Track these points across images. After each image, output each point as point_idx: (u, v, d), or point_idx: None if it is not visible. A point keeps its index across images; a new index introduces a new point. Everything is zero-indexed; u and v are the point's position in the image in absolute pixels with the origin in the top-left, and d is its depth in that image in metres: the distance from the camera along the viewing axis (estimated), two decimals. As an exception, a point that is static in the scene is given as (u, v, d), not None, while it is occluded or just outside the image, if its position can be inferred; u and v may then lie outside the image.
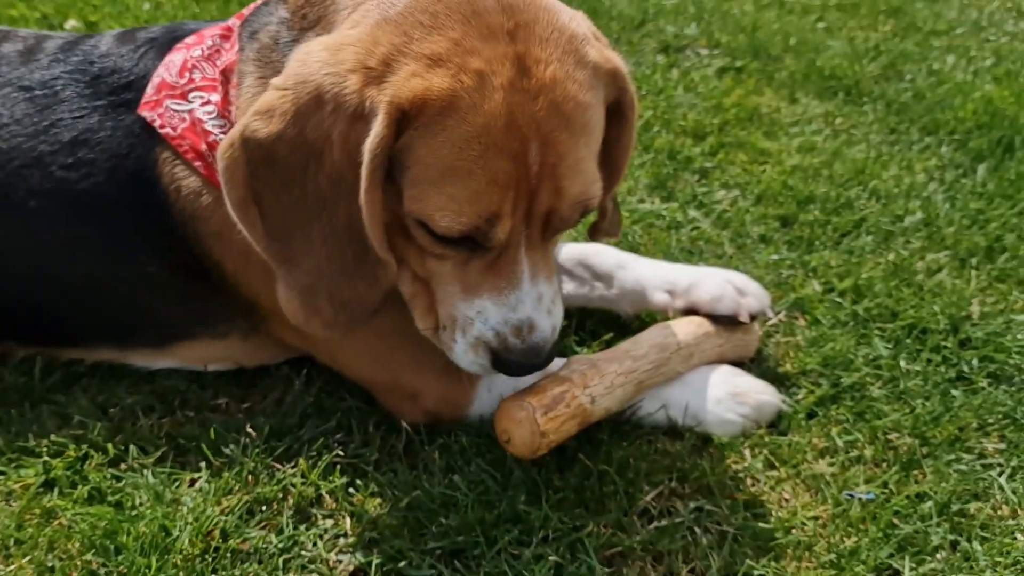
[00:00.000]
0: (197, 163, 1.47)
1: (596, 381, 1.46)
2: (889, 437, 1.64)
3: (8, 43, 1.70)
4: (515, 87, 1.21)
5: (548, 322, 1.37)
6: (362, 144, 1.19)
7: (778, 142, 2.67)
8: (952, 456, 1.59)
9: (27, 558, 1.34)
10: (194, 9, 3.41)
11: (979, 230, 2.22)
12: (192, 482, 1.51)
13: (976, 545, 1.43)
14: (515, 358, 1.34)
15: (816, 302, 1.96)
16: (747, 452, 1.59)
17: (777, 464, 1.57)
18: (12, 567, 1.33)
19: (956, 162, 2.57)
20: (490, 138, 1.20)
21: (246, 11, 1.59)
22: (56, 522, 1.41)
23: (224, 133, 1.46)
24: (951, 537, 1.44)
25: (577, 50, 1.30)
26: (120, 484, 1.48)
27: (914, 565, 1.39)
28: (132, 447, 1.54)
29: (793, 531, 1.45)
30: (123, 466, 1.53)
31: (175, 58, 1.56)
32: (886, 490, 1.52)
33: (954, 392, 1.73)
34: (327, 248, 1.27)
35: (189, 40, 1.59)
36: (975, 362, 1.80)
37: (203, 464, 1.52)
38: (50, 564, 1.33)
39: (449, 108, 1.20)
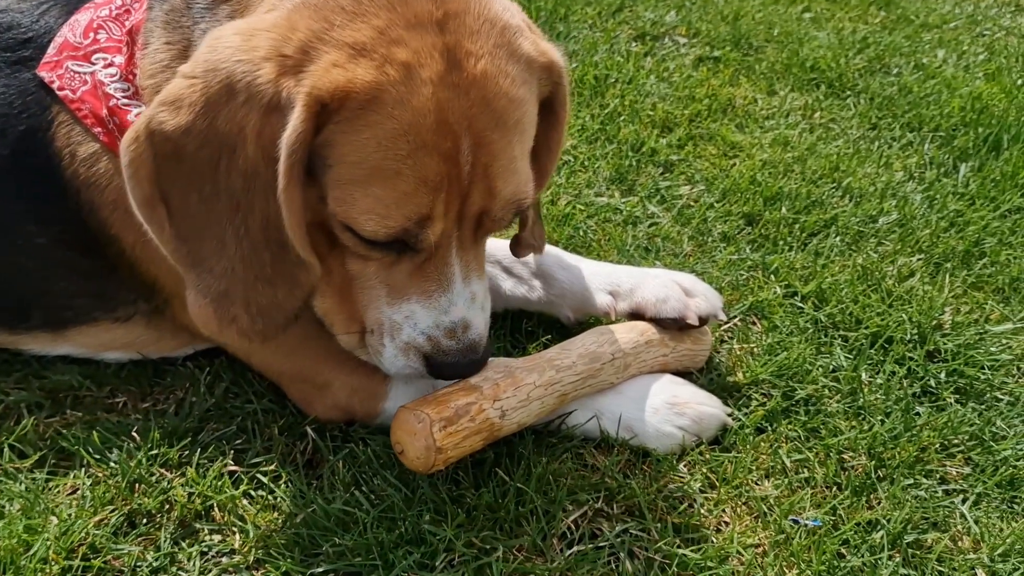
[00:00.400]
0: (97, 128, 1.37)
1: (510, 393, 1.32)
2: (843, 457, 1.49)
3: None
4: (444, 81, 1.14)
5: (482, 318, 1.30)
6: (278, 138, 1.10)
7: (751, 135, 2.52)
8: (910, 480, 1.45)
9: None
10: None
11: (957, 233, 2.07)
12: (73, 490, 1.38)
13: (930, 581, 1.29)
14: (452, 359, 1.28)
15: (775, 306, 1.82)
16: (684, 470, 1.44)
17: (717, 484, 1.43)
18: None
19: (938, 160, 2.42)
20: (419, 136, 1.13)
21: None
22: (-91, 532, 1.28)
23: (128, 97, 1.37)
24: (903, 572, 1.31)
25: (510, 43, 1.22)
26: (-12, 491, 1.34)
27: (858, 603, 1.25)
28: (7, 450, 1.41)
29: (729, 560, 1.31)
30: (-5, 470, 1.39)
31: (81, 17, 1.45)
32: (835, 516, 1.38)
33: (917, 409, 1.59)
34: (242, 250, 1.17)
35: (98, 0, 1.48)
36: (943, 376, 1.66)
37: (84, 471, 1.39)
38: None
39: (373, 102, 1.11)
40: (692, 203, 2.18)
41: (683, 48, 3.09)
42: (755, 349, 1.71)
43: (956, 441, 1.53)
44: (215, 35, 1.18)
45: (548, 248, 1.68)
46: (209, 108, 1.13)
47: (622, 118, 2.53)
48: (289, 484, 1.37)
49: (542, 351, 1.45)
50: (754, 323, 1.80)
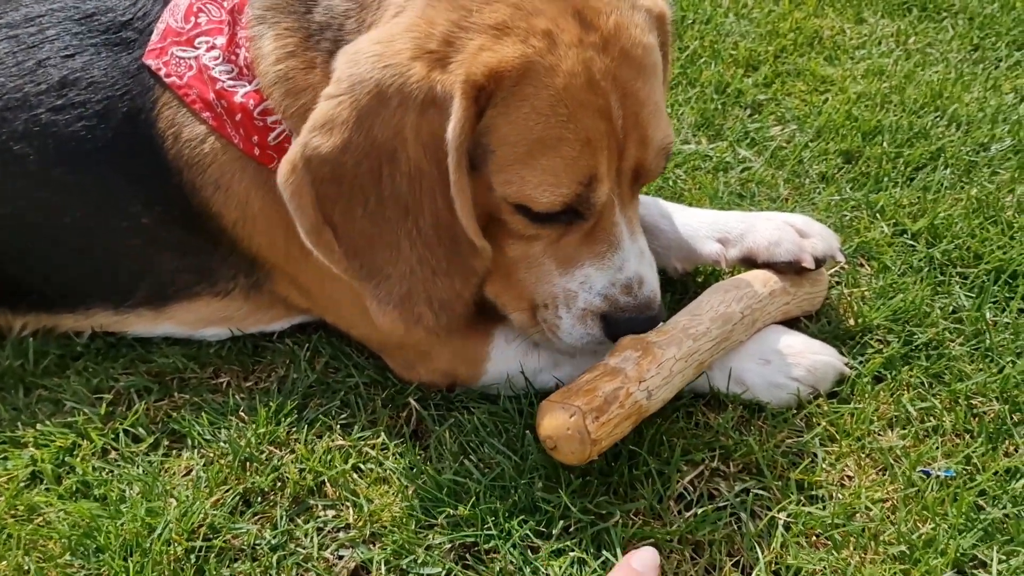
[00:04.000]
0: (205, 113, 1.38)
1: (653, 371, 1.25)
2: (973, 403, 1.41)
3: None
4: (584, 42, 1.16)
5: (653, 273, 1.32)
6: (439, 134, 1.13)
7: (842, 68, 2.38)
8: (1050, 423, 1.35)
9: (3, 561, 1.24)
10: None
11: (1080, 155, 1.92)
12: (188, 471, 1.40)
13: (1080, 531, 1.20)
14: (630, 315, 1.29)
15: (884, 246, 1.72)
16: (801, 423, 1.38)
17: (838, 437, 1.36)
18: (-12, 570, 1.24)
19: (1051, 79, 2.25)
20: (574, 99, 1.15)
21: None
22: (39, 518, 1.31)
23: (233, 79, 1.37)
24: (1049, 521, 1.22)
25: None
26: (108, 476, 1.37)
27: (1003, 557, 1.18)
28: (123, 435, 1.43)
29: (856, 517, 1.25)
30: (113, 455, 1.42)
31: (181, 2, 1.44)
32: (969, 466, 1.30)
33: (1051, 347, 1.48)
34: (417, 251, 1.20)
35: None
36: (1076, 310, 1.54)
37: (197, 452, 1.40)
38: (26, 567, 1.23)
39: (526, 76, 1.14)
40: (785, 144, 2.08)
41: None
42: (866, 293, 1.62)
43: (1097, 380, 1.42)
44: (351, 50, 1.18)
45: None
46: (363, 121, 1.14)
47: (703, 60, 2.42)
48: (398, 456, 1.36)
49: (670, 319, 1.38)
50: (862, 265, 1.71)
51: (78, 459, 1.40)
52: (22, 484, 1.37)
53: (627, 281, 1.28)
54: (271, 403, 1.46)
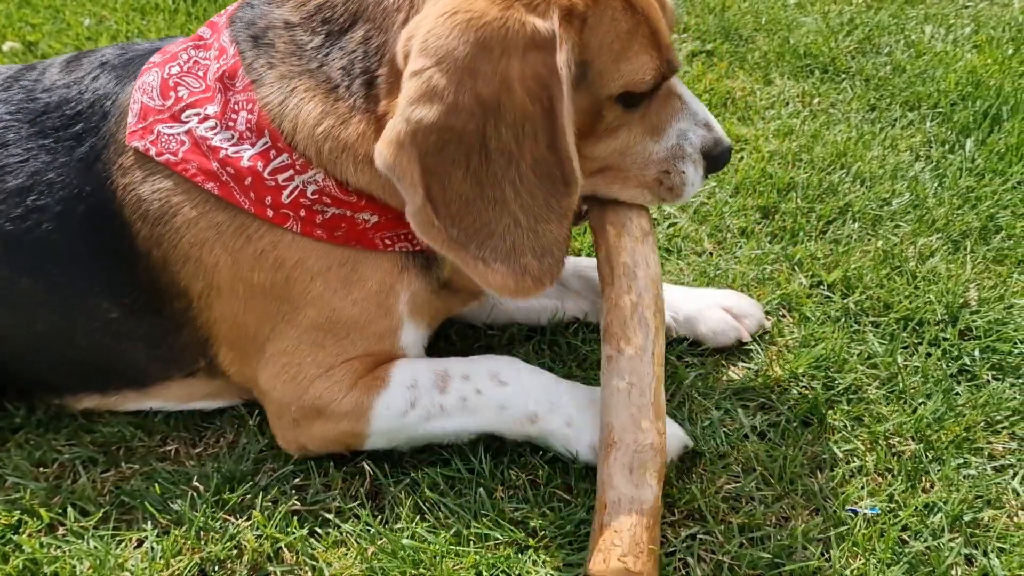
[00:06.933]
0: (209, 184, 1.36)
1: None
2: (891, 442, 1.52)
3: None
4: None
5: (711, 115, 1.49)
6: (541, 72, 1.19)
7: (754, 127, 2.55)
8: (960, 460, 1.47)
9: (-50, 647, 1.21)
10: (139, 23, 3.26)
11: (971, 209, 2.10)
12: (139, 543, 1.38)
13: (994, 559, 1.31)
14: (722, 145, 1.46)
15: (804, 297, 1.84)
16: (739, 469, 1.47)
17: (772, 480, 1.45)
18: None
19: (941, 137, 2.45)
20: None
21: (224, 17, 1.47)
22: (-14, 601, 1.29)
23: (235, 145, 1.35)
24: (966, 551, 1.33)
25: None
26: (58, 553, 1.35)
27: (927, 587, 1.28)
28: (71, 509, 1.41)
29: (794, 556, 1.33)
30: (61, 531, 1.40)
31: (149, 79, 1.43)
32: (892, 503, 1.41)
33: (957, 389, 1.62)
34: (520, 199, 1.25)
35: (156, 59, 1.47)
36: (976, 353, 1.68)
37: (149, 523, 1.40)
38: (-24, 652, 1.20)
39: None
40: (707, 200, 2.21)
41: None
42: (790, 342, 1.74)
43: (999, 418, 1.55)
44: (421, 30, 1.20)
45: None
46: (464, 81, 1.17)
47: (626, 120, 2.55)
48: (354, 519, 1.39)
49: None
50: (784, 316, 1.83)
51: (24, 536, 1.37)
52: (-35, 565, 1.33)
53: (705, 120, 1.46)
54: (223, 469, 1.47)
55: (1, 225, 1.43)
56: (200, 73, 1.42)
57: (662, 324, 1.42)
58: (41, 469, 1.50)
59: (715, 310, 1.72)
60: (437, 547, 1.31)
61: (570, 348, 1.72)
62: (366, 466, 1.46)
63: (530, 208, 1.25)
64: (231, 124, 1.37)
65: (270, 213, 1.36)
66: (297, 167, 1.35)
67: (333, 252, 1.39)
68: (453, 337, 1.77)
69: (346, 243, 1.38)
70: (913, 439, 1.52)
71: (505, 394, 1.42)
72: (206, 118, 1.37)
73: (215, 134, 1.36)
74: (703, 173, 1.47)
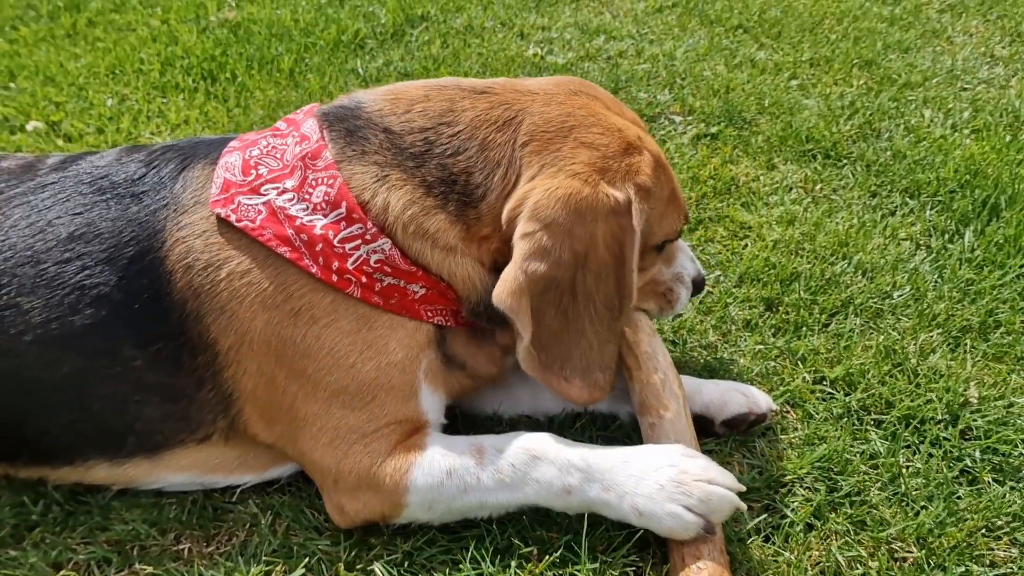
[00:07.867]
0: (282, 248, 1.50)
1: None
2: (894, 548, 1.54)
3: (5, 161, 1.75)
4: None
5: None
6: (617, 232, 1.50)
7: (758, 214, 2.60)
8: (962, 568, 1.49)
9: None
10: (159, 102, 3.36)
11: (971, 303, 2.14)
12: (151, 646, 1.41)
13: (996, 675, 1.33)
14: (703, 273, 1.89)
15: (807, 393, 1.87)
16: (743, 574, 1.49)
17: (777, 588, 1.47)
18: None
19: (941, 227, 2.50)
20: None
21: (303, 114, 1.67)
22: None
23: (309, 215, 1.52)
24: (968, 666, 1.34)
25: None
26: (71, 656, 1.37)
27: None
28: (84, 611, 1.44)
29: (798, 668, 1.34)
30: (75, 634, 1.42)
31: (231, 160, 1.60)
32: (895, 613, 1.42)
33: (958, 491, 1.64)
34: (593, 327, 1.53)
35: (235, 144, 1.65)
36: (977, 455, 1.71)
37: (161, 626, 1.42)
38: None
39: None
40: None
41: (680, 127, 3.20)
42: (793, 440, 1.76)
43: (1000, 523, 1.57)
44: (526, 200, 1.47)
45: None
46: (565, 241, 1.46)
47: (632, 207, 2.61)
48: (364, 625, 1.41)
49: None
50: (788, 412, 1.86)
51: (39, 640, 1.39)
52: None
53: (693, 257, 1.88)
54: (235, 571, 1.50)
55: (46, 268, 1.54)
56: (278, 156, 1.59)
57: (686, 396, 1.67)
58: (56, 568, 1.53)
59: (735, 396, 1.82)
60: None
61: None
62: (377, 568, 1.49)
63: (599, 334, 1.53)
64: (307, 197, 1.53)
65: (335, 278, 1.49)
66: (367, 237, 1.50)
67: (370, 315, 1.53)
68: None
69: (398, 311, 1.54)
70: (915, 545, 1.54)
71: (540, 468, 1.47)
72: (284, 191, 1.54)
73: (292, 204, 1.53)
74: (689, 292, 1.86)
